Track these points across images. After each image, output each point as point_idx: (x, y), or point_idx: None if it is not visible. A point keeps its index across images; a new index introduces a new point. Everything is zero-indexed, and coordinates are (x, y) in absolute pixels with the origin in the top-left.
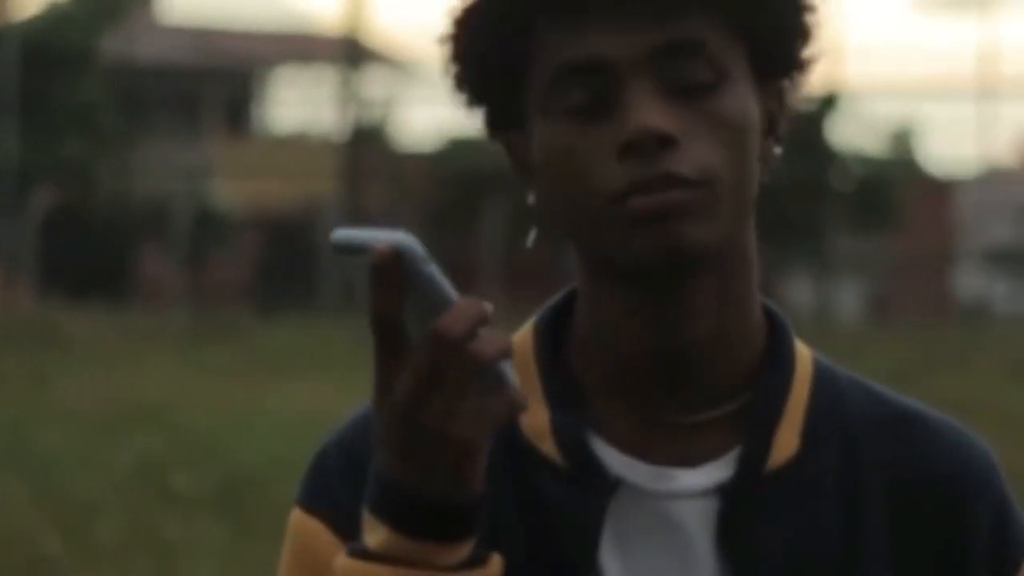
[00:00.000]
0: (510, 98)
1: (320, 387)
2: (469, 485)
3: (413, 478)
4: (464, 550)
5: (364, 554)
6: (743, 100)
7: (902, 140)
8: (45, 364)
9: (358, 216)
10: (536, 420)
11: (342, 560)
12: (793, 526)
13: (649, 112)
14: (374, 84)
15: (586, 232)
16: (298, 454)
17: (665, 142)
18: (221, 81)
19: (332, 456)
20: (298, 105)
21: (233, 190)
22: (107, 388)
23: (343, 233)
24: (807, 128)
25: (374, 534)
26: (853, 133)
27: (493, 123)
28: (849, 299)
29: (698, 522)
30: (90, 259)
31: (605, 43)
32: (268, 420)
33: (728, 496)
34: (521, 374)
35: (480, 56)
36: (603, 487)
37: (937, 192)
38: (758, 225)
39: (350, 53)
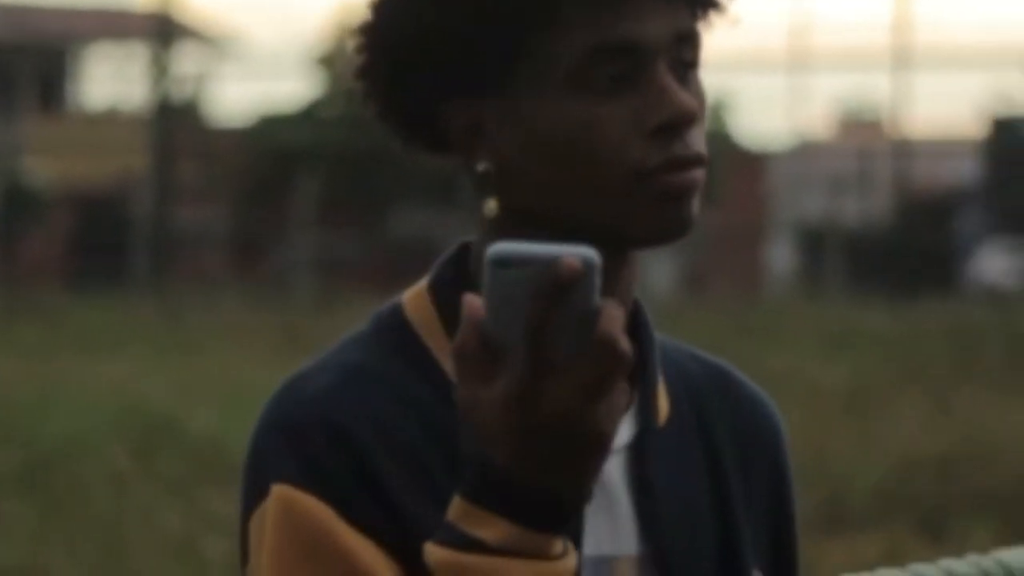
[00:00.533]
0: (477, 68)
1: (128, 364)
2: (595, 478)
3: (553, 478)
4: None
5: (483, 547)
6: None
7: (715, 114)
8: None
9: (170, 192)
10: None
11: (448, 554)
12: (679, 475)
13: (684, 94)
14: (186, 60)
15: (600, 202)
16: (103, 431)
17: (694, 123)
18: (33, 58)
19: (313, 433)
20: (111, 81)
21: (46, 167)
22: None
23: (505, 247)
24: None
25: (490, 528)
26: None
27: (442, 92)
28: (664, 273)
29: (617, 477)
30: None
31: (639, 27)
32: (74, 398)
33: (636, 452)
34: (429, 338)
35: (449, 25)
36: None
37: (750, 165)
38: None
39: (162, 29)
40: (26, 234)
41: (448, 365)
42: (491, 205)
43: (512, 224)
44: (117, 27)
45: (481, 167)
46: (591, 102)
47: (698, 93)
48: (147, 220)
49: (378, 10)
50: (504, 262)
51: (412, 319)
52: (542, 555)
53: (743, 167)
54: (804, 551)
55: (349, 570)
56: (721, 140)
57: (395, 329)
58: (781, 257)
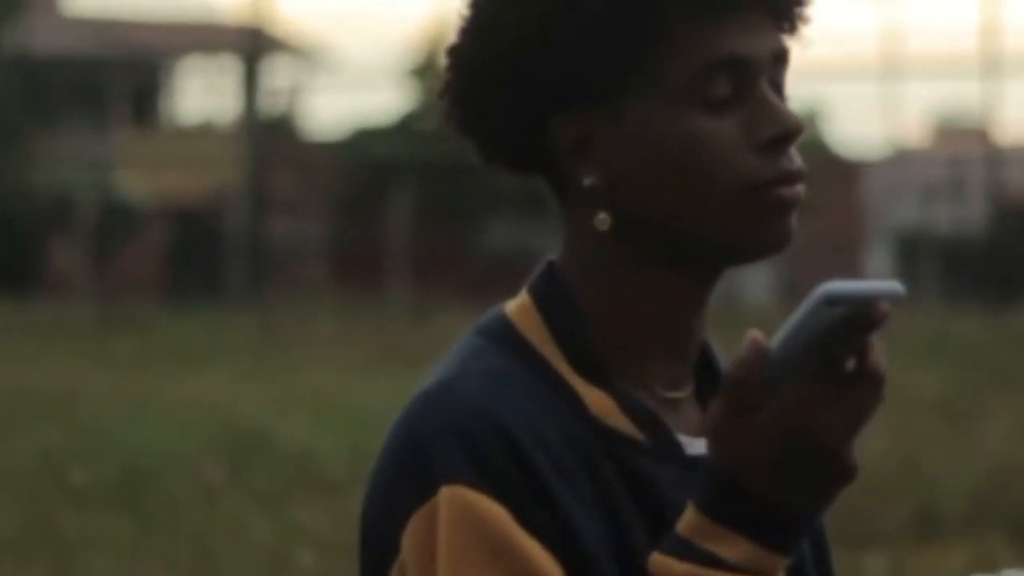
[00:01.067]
0: (587, 81)
1: (222, 377)
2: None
3: (801, 503)
4: None
5: (722, 564)
6: None
7: (810, 122)
8: None
9: (265, 205)
10: (594, 397)
11: (688, 568)
12: None
13: (789, 110)
14: (279, 73)
15: (708, 216)
16: (196, 445)
17: (799, 138)
18: (127, 72)
19: (483, 435)
20: (204, 95)
21: (140, 181)
22: (7, 382)
23: (836, 287)
24: None
25: (730, 546)
26: None
27: (547, 107)
28: (760, 281)
29: None
30: None
31: (748, 44)
32: (169, 412)
33: None
34: (546, 352)
35: (557, 40)
36: (691, 463)
37: (846, 174)
38: None
39: (254, 42)
40: (121, 248)
41: (570, 378)
42: (602, 218)
43: (619, 239)
44: (209, 41)
45: (588, 181)
46: (702, 116)
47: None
48: (242, 233)
49: (465, 32)
50: (834, 300)
51: (526, 334)
52: (773, 574)
53: (839, 175)
54: (897, 558)
55: (530, 573)
56: (816, 149)
57: (513, 343)
58: (877, 265)
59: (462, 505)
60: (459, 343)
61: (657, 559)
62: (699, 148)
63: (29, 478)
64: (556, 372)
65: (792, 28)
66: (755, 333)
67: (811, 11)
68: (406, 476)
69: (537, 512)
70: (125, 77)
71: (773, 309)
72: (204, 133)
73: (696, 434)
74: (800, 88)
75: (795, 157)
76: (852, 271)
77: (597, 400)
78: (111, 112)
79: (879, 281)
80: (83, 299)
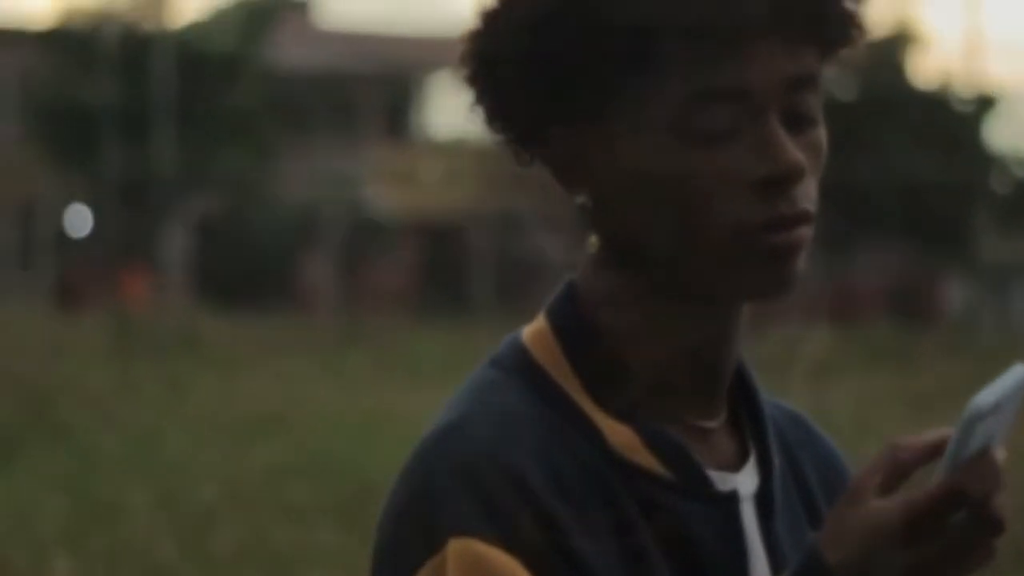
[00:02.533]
0: (576, 98)
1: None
2: None
3: None
4: None
5: None
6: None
7: None
8: (187, 372)
9: (512, 223)
10: (615, 431)
11: None
12: (789, 521)
13: (792, 148)
14: None
15: (695, 256)
16: None
17: (800, 179)
18: (379, 87)
19: (497, 483)
20: (457, 110)
21: (391, 196)
22: (244, 397)
23: (981, 402)
24: (963, 130)
25: None
26: (1012, 134)
27: (545, 116)
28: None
29: (752, 527)
30: (246, 266)
31: (744, 73)
32: (399, 428)
33: (762, 502)
34: (564, 382)
35: (547, 52)
36: (722, 499)
37: None
38: (916, 229)
39: None
40: (370, 263)
41: (589, 411)
42: (592, 241)
43: (610, 264)
44: None
45: (579, 200)
46: (693, 149)
47: (813, 145)
48: (491, 249)
49: (486, 18)
50: (981, 415)
51: (543, 363)
52: None
53: None
54: None
55: None
56: None
57: (530, 374)
58: None
59: (473, 560)
60: (472, 375)
61: None
62: (686, 184)
63: (253, 494)
64: (575, 405)
65: (822, 49)
66: (895, 442)
67: (846, 27)
68: (411, 528)
69: (554, 564)
70: (377, 91)
71: None
72: (456, 148)
73: (729, 467)
74: None
75: (798, 198)
76: None
77: (619, 434)
78: (362, 126)
79: (1007, 374)
80: (330, 314)
